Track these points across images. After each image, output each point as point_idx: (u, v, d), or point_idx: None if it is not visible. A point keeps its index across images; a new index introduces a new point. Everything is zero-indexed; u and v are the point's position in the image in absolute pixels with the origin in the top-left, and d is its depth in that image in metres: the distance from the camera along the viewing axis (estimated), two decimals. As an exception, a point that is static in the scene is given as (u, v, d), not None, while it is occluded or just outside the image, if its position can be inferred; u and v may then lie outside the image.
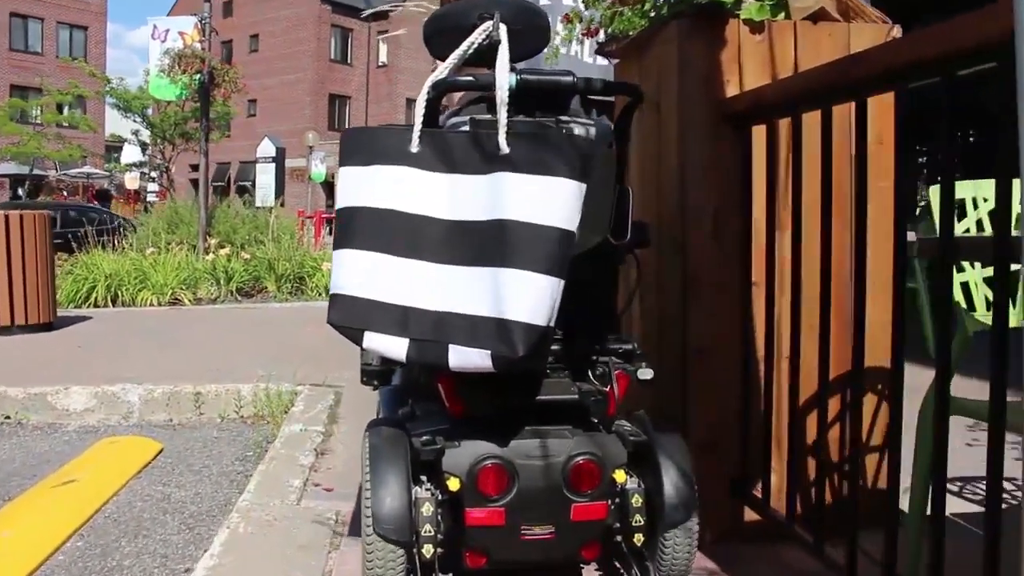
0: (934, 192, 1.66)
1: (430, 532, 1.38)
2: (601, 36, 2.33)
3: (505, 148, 1.30)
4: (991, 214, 1.71)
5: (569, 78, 1.45)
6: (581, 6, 2.44)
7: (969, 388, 1.50)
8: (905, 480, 1.46)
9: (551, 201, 1.26)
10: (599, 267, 1.54)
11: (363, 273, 1.34)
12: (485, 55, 1.43)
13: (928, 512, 1.59)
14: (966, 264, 1.64)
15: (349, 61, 38.67)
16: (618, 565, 1.76)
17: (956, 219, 1.83)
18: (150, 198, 24.55)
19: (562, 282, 1.26)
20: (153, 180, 26.94)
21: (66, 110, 27.11)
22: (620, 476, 1.46)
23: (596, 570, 1.81)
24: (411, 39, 31.51)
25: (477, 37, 1.44)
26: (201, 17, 10.64)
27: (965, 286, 1.64)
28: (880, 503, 1.95)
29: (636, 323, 2.21)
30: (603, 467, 1.44)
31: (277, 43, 37.50)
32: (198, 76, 10.47)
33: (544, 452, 1.42)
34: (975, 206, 1.69)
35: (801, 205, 1.68)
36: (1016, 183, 1.07)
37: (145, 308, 7.31)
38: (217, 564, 1.87)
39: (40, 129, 25.34)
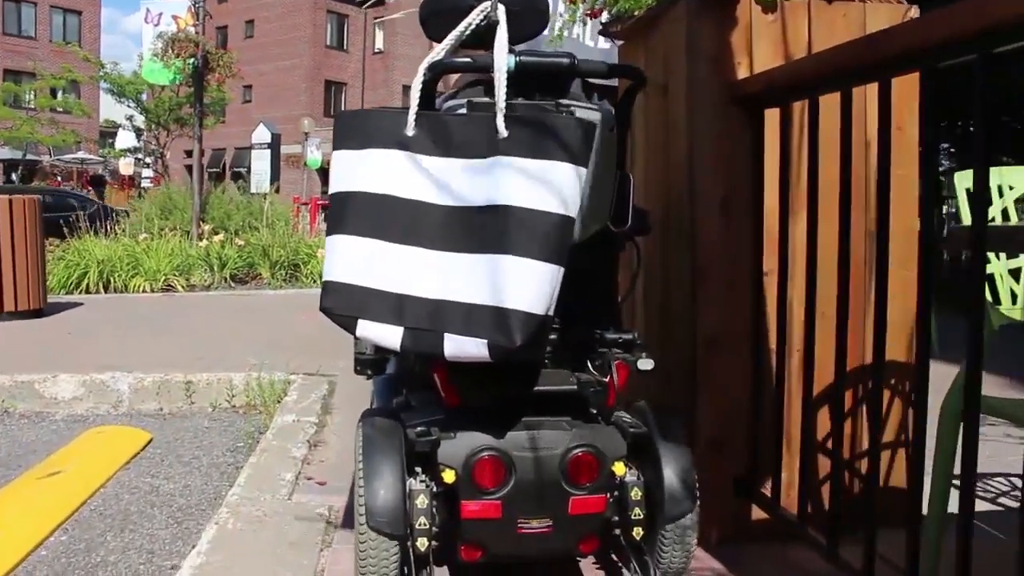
0: (959, 178, 1.58)
1: (425, 525, 1.36)
2: (605, 16, 2.25)
3: (503, 131, 1.27)
4: (1018, 202, 1.64)
5: (569, 60, 1.41)
6: (585, -15, 2.37)
7: (992, 385, 1.43)
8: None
9: (550, 186, 1.22)
10: (599, 255, 1.51)
11: (357, 260, 1.31)
12: (483, 37, 1.40)
13: (946, 512, 1.55)
14: (990, 255, 1.57)
15: (345, 47, 38.41)
16: (616, 559, 1.73)
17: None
18: (145, 184, 24.36)
19: (561, 269, 1.23)
20: (148, 166, 26.74)
21: (60, 95, 26.89)
22: (619, 468, 1.44)
23: (594, 564, 1.77)
24: (408, 25, 31.33)
25: (475, 18, 1.40)
26: (195, 1, 10.51)
27: (990, 278, 1.57)
28: (893, 503, 1.90)
29: (642, 314, 2.14)
30: (602, 459, 1.41)
31: (273, 29, 37.20)
32: (192, 60, 10.37)
33: (542, 444, 1.39)
34: (1000, 194, 1.62)
35: (817, 192, 1.61)
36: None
37: (138, 294, 7.23)
38: (204, 563, 1.79)
39: (34, 114, 25.15)
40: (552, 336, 1.44)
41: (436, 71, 1.39)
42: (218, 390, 3.70)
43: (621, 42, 2.28)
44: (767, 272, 1.82)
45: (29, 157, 26.64)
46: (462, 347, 1.24)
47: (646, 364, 1.50)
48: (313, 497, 2.26)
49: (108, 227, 8.44)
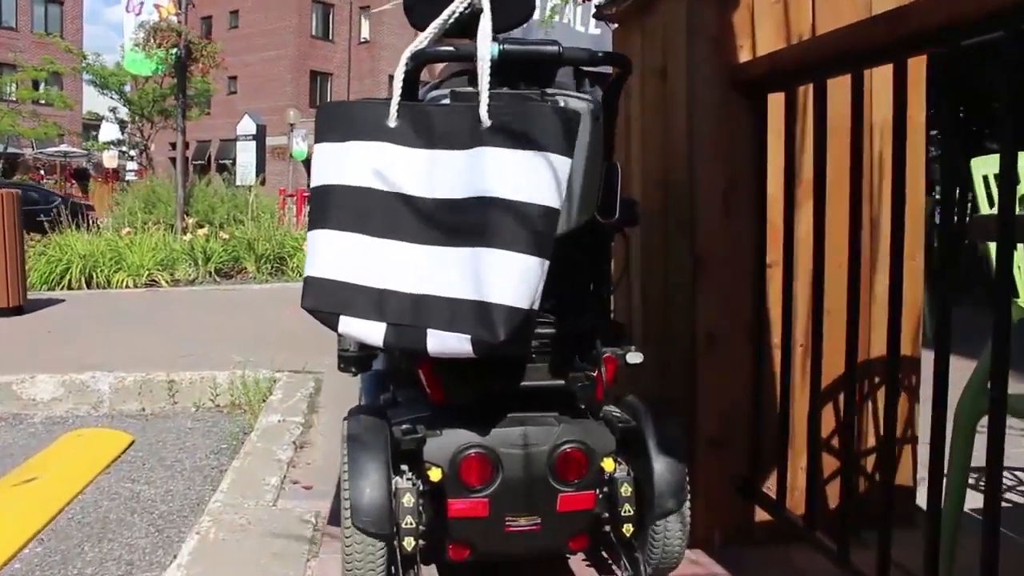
0: (976, 164, 1.51)
1: (411, 524, 1.35)
2: (598, -1, 2.16)
3: (487, 121, 1.24)
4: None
5: (553, 48, 1.37)
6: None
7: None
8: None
9: (535, 177, 1.20)
10: (586, 247, 1.47)
11: (338, 254, 1.27)
12: (467, 25, 1.35)
13: (961, 512, 1.48)
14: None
15: (331, 37, 38.07)
16: (606, 556, 1.71)
17: (992, 196, 1.69)
18: (129, 177, 24.12)
19: (546, 262, 1.20)
20: (132, 159, 26.46)
21: (42, 87, 26.52)
22: (608, 464, 1.42)
23: (584, 561, 1.73)
24: (394, 15, 31.07)
25: (458, 6, 1.35)
26: (176, -11, 10.35)
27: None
28: (900, 503, 1.83)
29: (640, 308, 2.06)
30: (590, 455, 1.39)
31: (257, 19, 36.82)
32: (174, 50, 10.20)
33: (529, 440, 1.37)
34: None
35: (824, 181, 1.53)
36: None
37: (121, 290, 7.10)
38: None
39: (15, 106, 24.77)
40: (539, 330, 1.41)
41: (418, 61, 1.35)
42: (201, 389, 3.60)
43: (615, 25, 2.19)
44: (770, 264, 1.74)
45: (11, 151, 26.30)
46: (445, 343, 1.22)
47: (635, 357, 1.48)
48: (299, 503, 2.18)
49: (77, 223, 8.25)
